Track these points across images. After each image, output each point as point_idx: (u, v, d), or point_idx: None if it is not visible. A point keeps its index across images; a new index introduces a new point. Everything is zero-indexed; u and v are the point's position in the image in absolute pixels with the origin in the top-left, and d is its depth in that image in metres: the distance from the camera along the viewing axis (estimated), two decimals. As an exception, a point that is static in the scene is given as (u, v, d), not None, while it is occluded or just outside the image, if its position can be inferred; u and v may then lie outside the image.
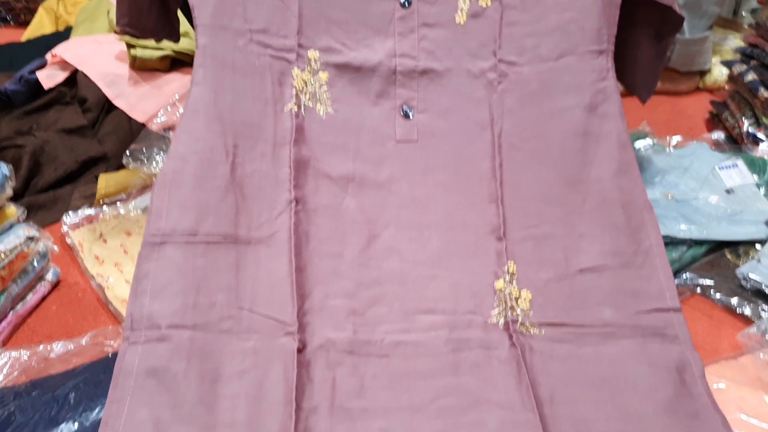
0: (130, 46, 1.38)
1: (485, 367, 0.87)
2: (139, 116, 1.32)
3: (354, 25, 1.03)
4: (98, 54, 1.45)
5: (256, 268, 0.89)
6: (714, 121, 1.72)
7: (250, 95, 0.98)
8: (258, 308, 0.87)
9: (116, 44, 1.45)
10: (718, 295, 1.11)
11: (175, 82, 1.42)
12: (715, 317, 1.08)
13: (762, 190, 1.31)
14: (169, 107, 1.34)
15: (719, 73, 1.89)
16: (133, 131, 1.52)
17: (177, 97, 1.36)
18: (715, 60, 1.90)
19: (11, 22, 2.53)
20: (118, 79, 1.37)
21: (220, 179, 0.92)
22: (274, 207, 0.94)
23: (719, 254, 1.18)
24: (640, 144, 1.51)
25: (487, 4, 1.03)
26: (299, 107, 1.00)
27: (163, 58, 1.41)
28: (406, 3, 1.03)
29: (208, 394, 0.81)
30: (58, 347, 0.99)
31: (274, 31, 1.01)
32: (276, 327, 0.86)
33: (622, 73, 1.09)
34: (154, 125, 1.32)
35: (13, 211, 1.06)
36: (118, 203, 1.31)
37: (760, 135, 1.48)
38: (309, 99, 1.01)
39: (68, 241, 1.23)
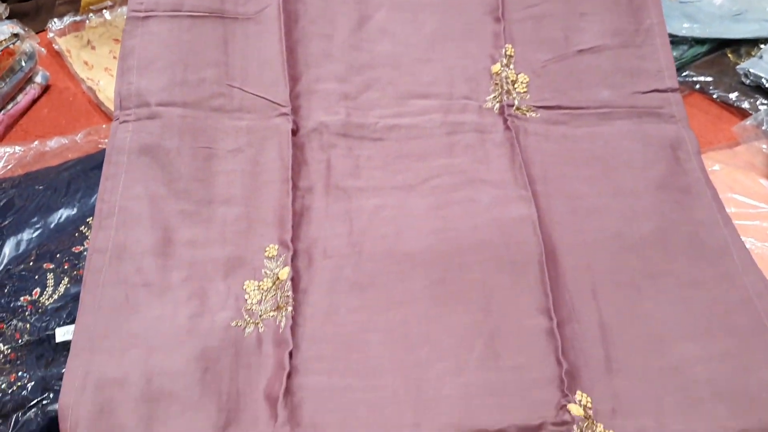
0: None
1: (479, 148, 0.87)
2: None
3: None
4: None
5: (245, 44, 0.87)
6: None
7: None
8: (249, 87, 0.85)
9: None
10: (716, 92, 1.09)
11: None
12: (712, 113, 1.07)
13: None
14: None
15: None
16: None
17: None
18: None
19: None
20: None
21: None
22: None
23: (720, 54, 1.16)
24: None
25: None
26: None
27: None
28: None
29: (203, 171, 0.81)
30: (52, 143, 0.99)
31: None
32: (269, 107, 0.85)
33: None
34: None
35: (-6, 8, 1.03)
36: (104, 11, 1.26)
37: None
38: None
39: (55, 47, 1.20)
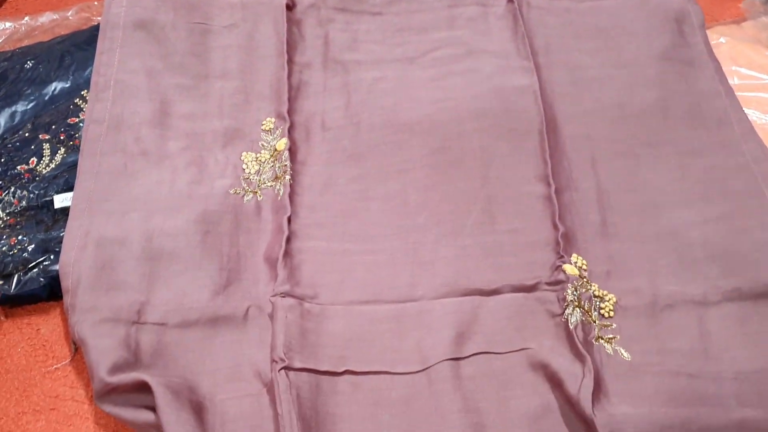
0: None
1: (481, 21, 0.86)
2: None
3: None
4: None
5: None
6: None
7: None
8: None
9: None
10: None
11: None
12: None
13: None
14: None
15: None
16: None
17: None
18: None
19: None
20: None
21: None
22: None
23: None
24: None
25: None
26: None
27: None
28: None
29: (199, 45, 0.81)
30: (43, 18, 0.97)
31: None
32: (263, -20, 0.83)
33: None
34: None
35: None
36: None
37: None
38: None
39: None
